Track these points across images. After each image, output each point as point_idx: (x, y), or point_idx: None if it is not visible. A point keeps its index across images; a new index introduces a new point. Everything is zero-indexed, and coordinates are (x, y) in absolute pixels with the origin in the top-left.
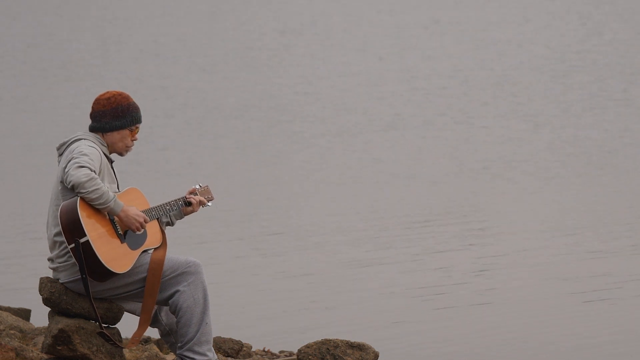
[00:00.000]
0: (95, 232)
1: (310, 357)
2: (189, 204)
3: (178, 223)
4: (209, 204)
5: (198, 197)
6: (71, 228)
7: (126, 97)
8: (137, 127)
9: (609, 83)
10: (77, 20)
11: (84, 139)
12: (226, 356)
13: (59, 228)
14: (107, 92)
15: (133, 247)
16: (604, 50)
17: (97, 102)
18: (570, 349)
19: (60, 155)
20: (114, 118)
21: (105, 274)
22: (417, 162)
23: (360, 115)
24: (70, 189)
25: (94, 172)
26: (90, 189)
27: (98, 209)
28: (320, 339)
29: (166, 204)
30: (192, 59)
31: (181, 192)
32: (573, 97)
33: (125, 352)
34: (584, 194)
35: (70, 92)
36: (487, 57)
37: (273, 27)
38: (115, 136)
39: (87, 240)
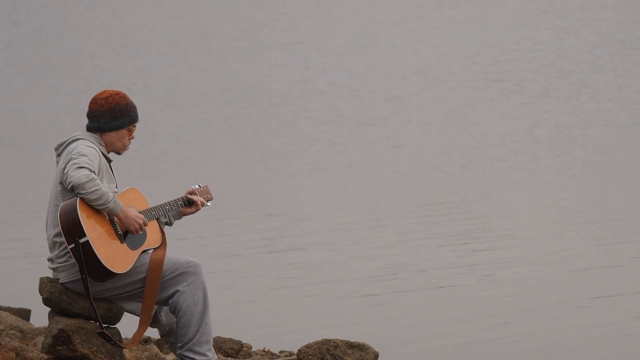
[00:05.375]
0: (95, 233)
1: (310, 357)
2: (189, 204)
3: (177, 222)
4: (208, 203)
5: (199, 198)
6: (71, 228)
7: (123, 97)
8: (134, 126)
9: (608, 81)
10: (68, 19)
11: (82, 139)
12: (226, 356)
13: (59, 229)
14: (105, 92)
15: (133, 247)
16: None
17: (95, 102)
18: (577, 343)
19: (59, 155)
20: (112, 118)
21: (105, 274)
22: (418, 157)
23: (359, 113)
24: (69, 190)
25: (93, 172)
26: (89, 190)
27: (98, 210)
28: (320, 339)
29: (166, 204)
30: (187, 56)
31: (180, 192)
32: (573, 94)
33: (125, 352)
34: (581, 190)
35: (64, 90)
36: (487, 55)
37: (270, 23)
38: (113, 136)
39: (87, 241)
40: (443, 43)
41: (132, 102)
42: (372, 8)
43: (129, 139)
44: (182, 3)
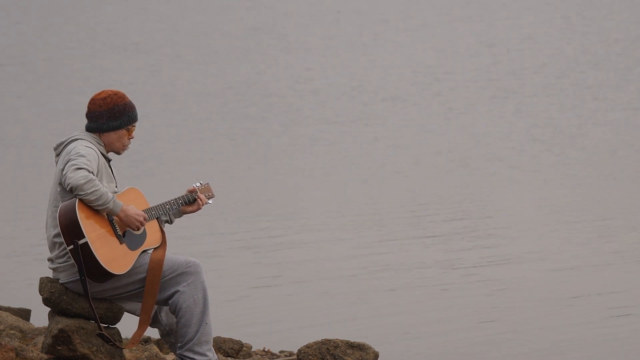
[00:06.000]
0: (94, 233)
1: (310, 357)
2: (191, 202)
3: (177, 221)
4: (210, 201)
5: (200, 196)
6: (70, 230)
7: (122, 97)
8: (133, 126)
9: (608, 80)
10: (67, 20)
11: (81, 139)
12: (226, 356)
13: (59, 229)
14: (103, 92)
15: (132, 247)
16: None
17: (93, 102)
18: (576, 343)
19: (58, 155)
20: (111, 118)
21: (104, 275)
22: (417, 156)
23: (359, 113)
24: (68, 191)
25: (92, 173)
26: (88, 191)
27: (97, 210)
28: (320, 339)
29: (166, 203)
30: (186, 56)
31: (180, 191)
32: (572, 94)
33: (125, 352)
34: (580, 188)
35: (63, 90)
36: (487, 55)
37: (270, 23)
38: (112, 136)
39: (86, 242)
40: (443, 43)
41: (130, 101)
42: (372, 8)
43: (129, 139)
44: (181, 3)
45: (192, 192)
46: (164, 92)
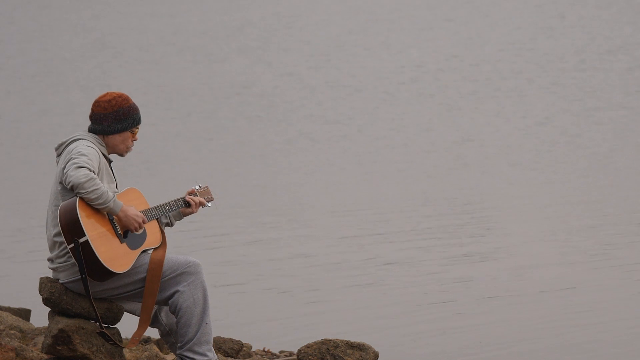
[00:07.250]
0: (95, 232)
1: (310, 357)
2: (188, 204)
3: (177, 223)
4: (209, 204)
5: (197, 198)
6: (70, 228)
7: (126, 99)
8: (137, 128)
9: (608, 80)
10: (65, 19)
11: (83, 139)
12: (226, 356)
13: (59, 228)
14: (107, 94)
15: (133, 247)
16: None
17: (97, 105)
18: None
19: (59, 155)
20: (115, 121)
21: (105, 273)
22: (416, 155)
23: (356, 111)
24: (69, 190)
25: (93, 172)
26: (89, 189)
27: (97, 209)
28: (320, 339)
29: (166, 204)
30: (185, 55)
31: (179, 192)
32: (572, 93)
33: (125, 352)
34: (579, 189)
35: (63, 90)
36: (488, 54)
37: (267, 22)
38: (116, 139)
39: (87, 240)
40: (442, 42)
41: (134, 104)
42: (371, 7)
43: (132, 141)
44: (180, 3)
45: (191, 194)
46: (162, 92)
